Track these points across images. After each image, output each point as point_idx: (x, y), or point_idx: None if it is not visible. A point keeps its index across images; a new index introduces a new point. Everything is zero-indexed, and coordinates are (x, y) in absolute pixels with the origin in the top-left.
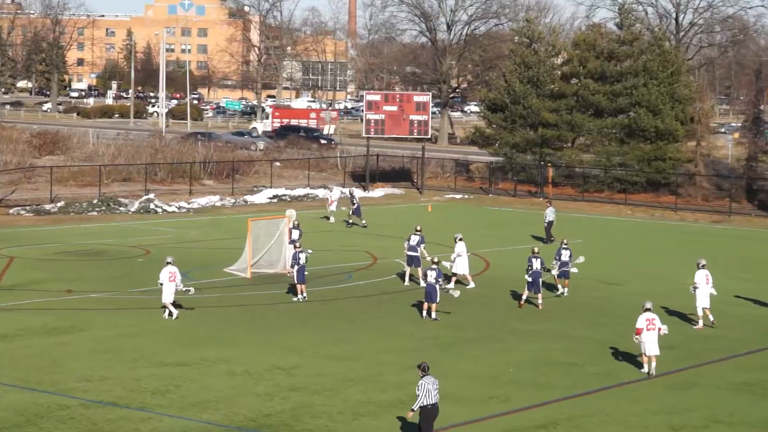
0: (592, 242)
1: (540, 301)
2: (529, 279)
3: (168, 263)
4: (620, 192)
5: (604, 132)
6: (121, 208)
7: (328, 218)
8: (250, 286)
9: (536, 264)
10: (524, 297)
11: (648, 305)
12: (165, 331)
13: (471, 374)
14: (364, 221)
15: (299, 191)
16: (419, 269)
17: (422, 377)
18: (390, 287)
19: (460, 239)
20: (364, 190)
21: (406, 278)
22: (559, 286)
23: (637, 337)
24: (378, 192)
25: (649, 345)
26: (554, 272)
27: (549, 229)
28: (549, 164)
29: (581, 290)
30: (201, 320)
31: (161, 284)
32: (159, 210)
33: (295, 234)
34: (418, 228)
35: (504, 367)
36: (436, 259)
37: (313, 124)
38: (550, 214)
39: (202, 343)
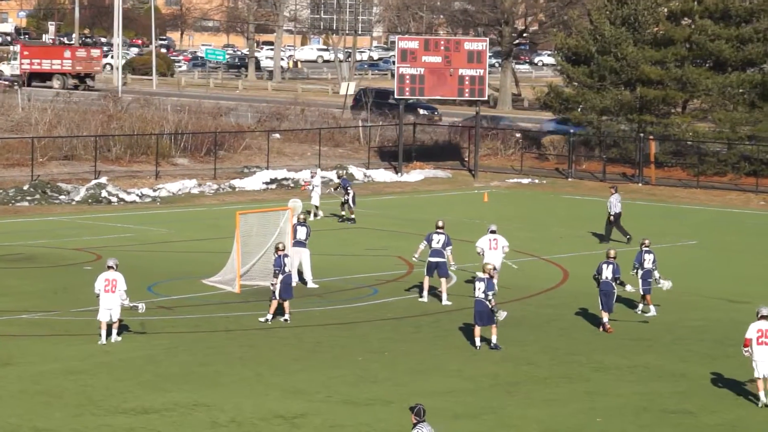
0: (709, 244)
1: (605, 320)
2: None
3: (108, 267)
4: (749, 175)
5: (727, 92)
6: (62, 197)
7: (313, 214)
8: (240, 304)
9: (607, 272)
10: (604, 319)
11: (764, 311)
12: (122, 365)
13: (544, 426)
14: (353, 216)
15: (307, 173)
16: (444, 280)
17: (415, 426)
18: (431, 306)
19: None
20: (396, 173)
21: (427, 291)
22: (641, 304)
23: (746, 349)
24: (415, 175)
25: (763, 363)
26: (629, 288)
27: (618, 222)
28: (651, 137)
29: (696, 311)
30: (171, 351)
31: (97, 296)
32: (114, 199)
33: (301, 232)
34: (441, 224)
35: (589, 416)
36: (489, 266)
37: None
38: (615, 204)
39: (173, 383)
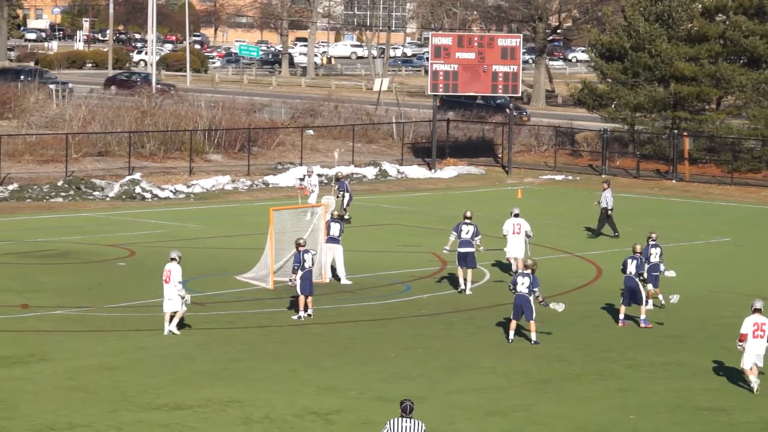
0: (743, 241)
1: (643, 317)
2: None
3: (171, 259)
4: None
5: (761, 89)
6: (96, 193)
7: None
8: (273, 300)
9: (631, 267)
10: (621, 314)
11: (758, 305)
12: (156, 361)
13: (576, 423)
14: (348, 215)
15: (340, 170)
16: (470, 272)
17: (398, 420)
18: (465, 302)
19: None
20: (429, 169)
21: (463, 282)
22: (651, 300)
23: (740, 344)
24: (448, 171)
25: (750, 356)
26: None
27: (610, 218)
28: (685, 133)
29: (729, 308)
30: (205, 347)
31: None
32: (147, 195)
33: (335, 229)
34: (469, 215)
35: (623, 413)
36: (530, 262)
37: None
38: (609, 198)
39: (207, 379)
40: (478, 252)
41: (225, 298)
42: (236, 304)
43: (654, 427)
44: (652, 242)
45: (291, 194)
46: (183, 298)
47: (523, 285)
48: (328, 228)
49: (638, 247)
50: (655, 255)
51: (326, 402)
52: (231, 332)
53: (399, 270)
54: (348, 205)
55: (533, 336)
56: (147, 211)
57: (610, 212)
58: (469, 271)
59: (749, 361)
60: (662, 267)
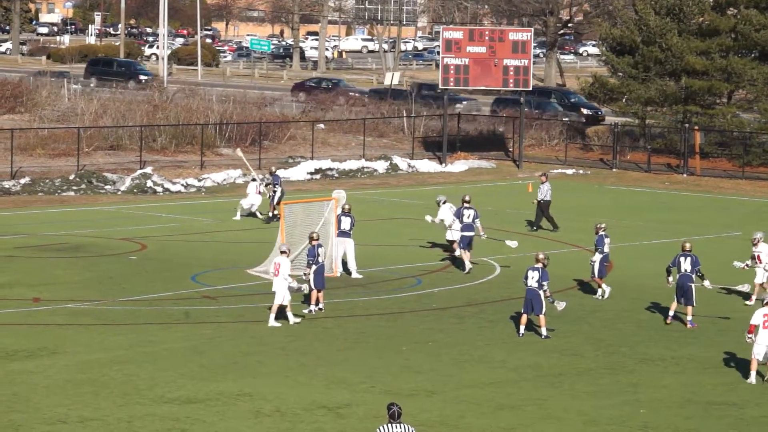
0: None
1: (690, 318)
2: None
3: (281, 252)
4: None
5: None
6: (108, 187)
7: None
8: None
9: (685, 264)
10: (671, 311)
11: None
12: (167, 355)
13: (588, 417)
14: (276, 212)
15: (351, 164)
16: (469, 251)
17: (388, 426)
18: (475, 296)
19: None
20: (440, 163)
21: (467, 263)
22: (603, 287)
23: (750, 336)
24: (459, 165)
25: (760, 347)
26: (707, 283)
27: (546, 211)
28: (696, 127)
29: (740, 303)
30: (215, 341)
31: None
32: (159, 189)
33: (346, 223)
34: (468, 198)
35: (633, 407)
36: (541, 256)
37: None
38: (546, 192)
39: (217, 372)
40: (478, 237)
41: (236, 292)
42: (247, 297)
43: (665, 422)
44: (602, 232)
45: (302, 188)
46: (299, 289)
47: (533, 279)
48: (339, 221)
49: (688, 245)
50: (607, 245)
51: (336, 395)
52: (242, 326)
53: (410, 264)
54: (278, 202)
55: (543, 330)
56: (158, 204)
57: (537, 203)
58: (469, 251)
59: (761, 352)
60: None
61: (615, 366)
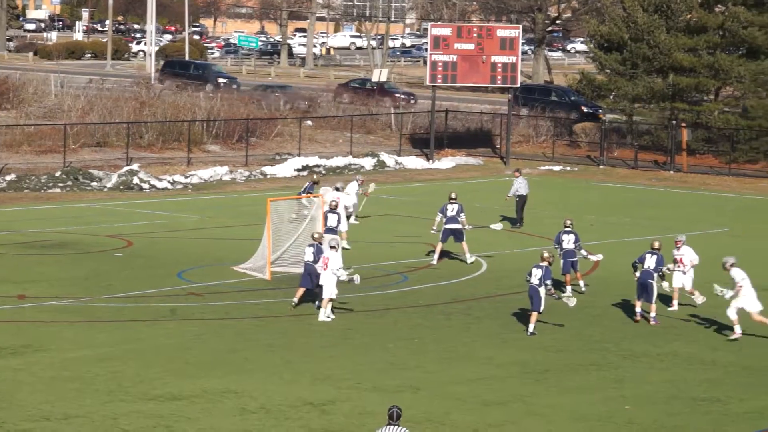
0: (741, 232)
1: (653, 314)
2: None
3: (330, 247)
4: None
5: (759, 80)
6: (94, 183)
7: None
8: (270, 291)
9: (650, 262)
10: (638, 308)
11: None
12: (152, 352)
13: (573, 413)
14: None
15: (338, 160)
16: (464, 244)
17: (386, 429)
18: (462, 292)
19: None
20: (428, 160)
21: (436, 255)
22: (568, 288)
23: None
24: (446, 162)
25: None
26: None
27: (522, 207)
28: (683, 124)
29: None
30: (201, 338)
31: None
32: (145, 186)
33: (332, 220)
34: (453, 195)
35: (619, 403)
36: (546, 254)
37: None
38: (521, 186)
39: (203, 369)
40: (464, 230)
41: (222, 289)
42: (233, 294)
43: (650, 418)
44: (566, 229)
45: (289, 185)
46: (351, 280)
47: (535, 276)
48: (326, 219)
49: (656, 244)
50: (568, 241)
51: (322, 392)
52: (228, 323)
53: (396, 260)
54: None
55: (530, 327)
56: (145, 201)
57: (510, 198)
58: (463, 244)
59: None
60: (584, 252)
61: (600, 362)
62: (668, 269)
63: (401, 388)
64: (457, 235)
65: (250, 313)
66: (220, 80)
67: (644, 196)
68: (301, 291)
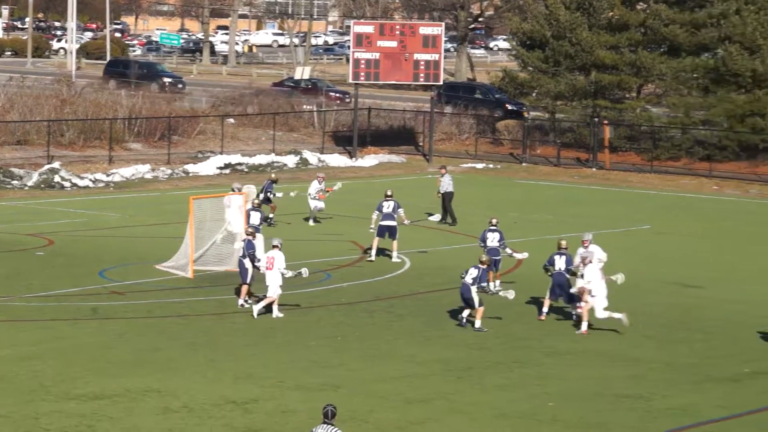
0: (663, 229)
1: (578, 304)
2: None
3: (273, 246)
4: (703, 160)
5: (681, 77)
6: (15, 182)
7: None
8: (193, 289)
9: (560, 263)
10: (545, 308)
11: None
12: (74, 351)
13: (496, 411)
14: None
15: (261, 158)
16: (395, 242)
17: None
18: (385, 290)
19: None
20: (351, 157)
21: (374, 251)
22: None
23: None
24: (369, 160)
25: None
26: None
27: (447, 203)
28: (605, 122)
29: (649, 296)
30: (124, 337)
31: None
32: (67, 184)
33: (255, 218)
34: (389, 193)
35: (542, 400)
36: (484, 258)
37: None
38: (446, 184)
39: (125, 369)
40: (402, 225)
41: (144, 287)
42: (156, 293)
43: (573, 415)
44: (492, 227)
45: (211, 183)
46: (298, 274)
47: (470, 275)
48: (248, 217)
49: (564, 243)
50: (492, 239)
51: (244, 391)
52: (150, 321)
53: (319, 258)
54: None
55: (477, 323)
56: (66, 200)
57: (445, 196)
58: (394, 242)
59: None
60: (509, 250)
61: (524, 359)
62: (577, 268)
63: (324, 386)
64: (392, 231)
65: (172, 312)
66: (165, 80)
67: (567, 193)
68: (245, 288)
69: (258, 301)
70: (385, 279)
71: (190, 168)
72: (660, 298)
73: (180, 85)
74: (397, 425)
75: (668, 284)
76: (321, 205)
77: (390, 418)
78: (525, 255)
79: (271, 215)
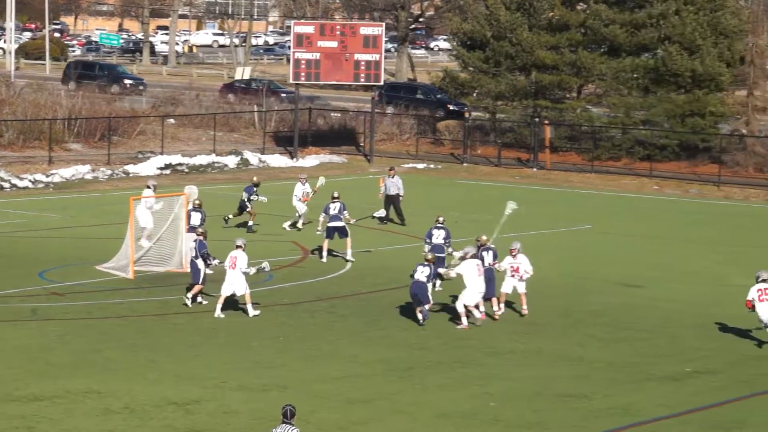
0: (604, 228)
1: (497, 309)
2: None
3: (236, 246)
4: (643, 160)
5: (621, 77)
6: None
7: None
8: (134, 290)
9: (488, 258)
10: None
11: (764, 275)
12: (14, 352)
13: (437, 411)
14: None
15: (201, 159)
16: (348, 240)
17: (278, 426)
18: (326, 290)
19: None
20: (292, 158)
21: (325, 253)
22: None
23: (750, 310)
24: (310, 160)
25: (766, 315)
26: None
27: (393, 203)
28: (546, 122)
29: (591, 295)
30: (64, 338)
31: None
32: (6, 185)
33: (196, 218)
34: (336, 195)
35: (483, 400)
36: (429, 256)
37: None
38: (392, 186)
39: (66, 370)
40: (348, 225)
41: (85, 288)
42: (96, 294)
43: (515, 415)
44: (438, 225)
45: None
46: (261, 269)
47: (422, 273)
48: (189, 217)
49: (484, 238)
50: (438, 236)
51: (186, 392)
52: (91, 323)
53: (260, 259)
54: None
55: (420, 316)
56: (5, 200)
57: (401, 198)
58: (347, 240)
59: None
60: (450, 249)
61: (465, 359)
62: (499, 267)
63: (267, 386)
64: (341, 231)
65: (113, 313)
66: (126, 81)
67: (508, 193)
68: (196, 288)
69: (192, 301)
70: (327, 279)
71: (131, 168)
72: (602, 298)
73: (141, 87)
74: (339, 425)
75: (610, 284)
76: (305, 208)
77: (332, 418)
78: (454, 275)
79: (251, 223)
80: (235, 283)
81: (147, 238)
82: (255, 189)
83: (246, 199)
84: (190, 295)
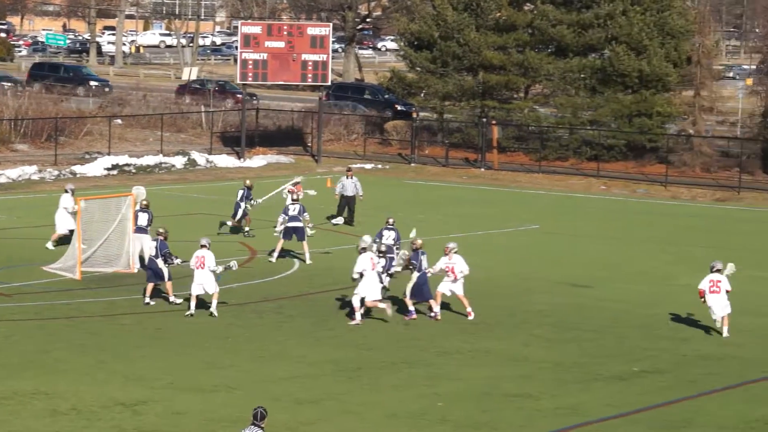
0: (552, 228)
1: (433, 313)
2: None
3: (201, 246)
4: (591, 160)
5: (568, 78)
6: None
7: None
8: (81, 290)
9: (425, 262)
10: (411, 308)
11: (718, 265)
12: None
13: (386, 411)
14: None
15: (149, 159)
16: (305, 243)
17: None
18: (274, 291)
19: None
20: (239, 158)
21: (276, 253)
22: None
23: (702, 299)
24: (257, 160)
25: (717, 307)
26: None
27: (348, 204)
28: (493, 122)
29: (538, 295)
30: (11, 339)
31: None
32: None
33: (143, 219)
34: (295, 197)
35: (431, 400)
36: (382, 248)
37: None
38: (350, 186)
39: (13, 371)
40: (307, 228)
41: (32, 289)
42: (43, 295)
43: (463, 415)
44: (388, 226)
45: (98, 184)
46: (228, 267)
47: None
48: (137, 217)
49: (420, 241)
50: (388, 237)
51: (134, 392)
52: (38, 323)
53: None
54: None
55: (389, 311)
56: None
57: (360, 198)
58: (304, 243)
59: (717, 313)
60: (401, 251)
61: (413, 360)
62: (432, 270)
63: (216, 387)
64: (299, 234)
65: (61, 314)
66: (92, 83)
67: (456, 193)
68: (150, 286)
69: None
70: (275, 280)
71: (78, 169)
72: (549, 298)
73: (107, 89)
74: (288, 426)
75: (557, 284)
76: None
77: (281, 419)
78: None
79: (247, 228)
80: (204, 282)
81: (86, 241)
82: (249, 191)
83: (247, 206)
84: (147, 295)
